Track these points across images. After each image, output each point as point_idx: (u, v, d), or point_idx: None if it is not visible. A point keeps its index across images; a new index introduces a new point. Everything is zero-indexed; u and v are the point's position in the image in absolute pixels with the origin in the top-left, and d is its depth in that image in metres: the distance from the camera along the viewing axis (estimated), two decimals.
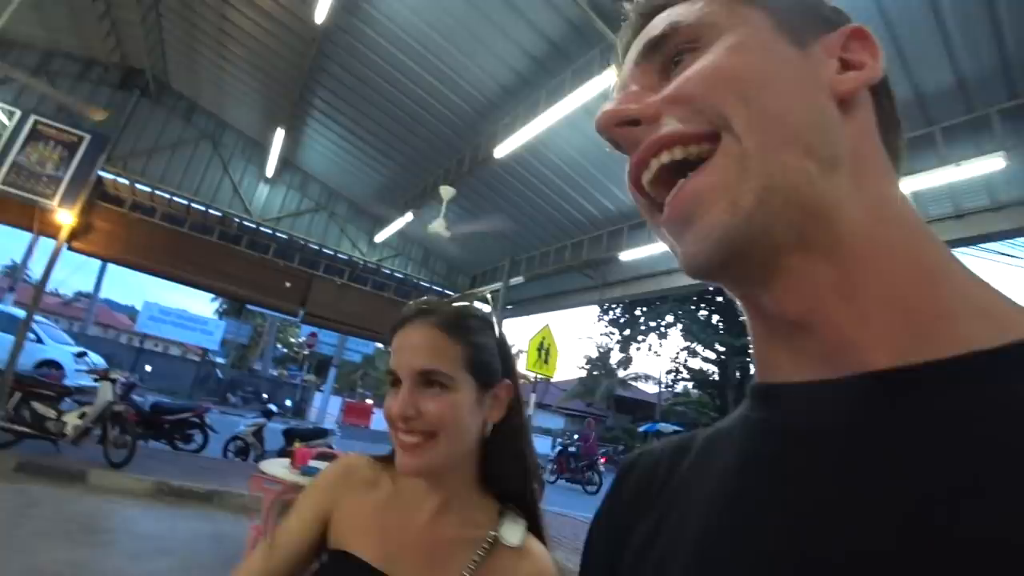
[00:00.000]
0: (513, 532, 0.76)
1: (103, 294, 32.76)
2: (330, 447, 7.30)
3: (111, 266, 23.12)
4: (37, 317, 14.77)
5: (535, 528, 0.79)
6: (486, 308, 11.31)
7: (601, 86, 4.35)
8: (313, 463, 4.71)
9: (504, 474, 0.80)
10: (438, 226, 7.30)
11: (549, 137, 5.61)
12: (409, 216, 8.39)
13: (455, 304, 0.84)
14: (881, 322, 0.30)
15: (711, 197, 0.32)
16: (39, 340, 13.67)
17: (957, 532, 0.24)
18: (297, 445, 6.56)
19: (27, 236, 8.09)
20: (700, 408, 31.06)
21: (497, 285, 10.09)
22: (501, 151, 5.81)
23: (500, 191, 7.68)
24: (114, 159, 7.95)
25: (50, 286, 7.71)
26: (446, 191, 7.26)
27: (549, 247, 8.64)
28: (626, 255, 6.90)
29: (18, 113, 7.18)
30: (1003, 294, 0.31)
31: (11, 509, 4.82)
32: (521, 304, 10.28)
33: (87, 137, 7.38)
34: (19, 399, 6.35)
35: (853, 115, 0.34)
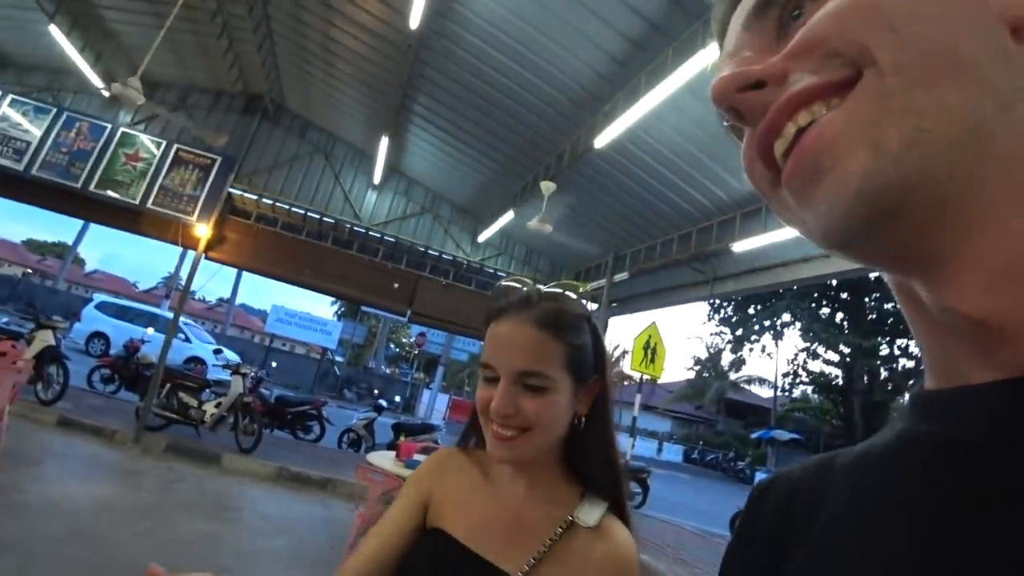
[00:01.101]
0: (590, 513, 0.78)
1: (239, 300, 36.37)
2: (436, 442, 7.53)
3: (247, 274, 25.63)
4: (186, 320, 16.69)
5: (619, 512, 0.81)
6: (587, 303, 11.13)
7: (705, 61, 4.05)
8: (417, 456, 4.84)
9: (588, 460, 0.83)
10: (539, 222, 7.25)
11: (651, 122, 5.35)
12: (510, 214, 8.42)
13: (551, 294, 0.85)
14: None
15: (846, 140, 0.25)
16: (187, 340, 15.50)
17: None
18: (403, 439, 6.83)
19: (177, 252, 9.13)
20: (821, 414, 28.59)
21: (601, 282, 9.87)
22: (601, 141, 5.62)
23: (602, 183, 7.48)
24: (241, 176, 8.73)
25: (198, 294, 8.64)
26: (547, 186, 7.18)
27: (655, 240, 8.28)
28: (739, 246, 6.42)
29: (164, 143, 8.14)
30: None
31: (162, 484, 5.44)
32: (626, 301, 9.97)
33: (218, 159, 8.21)
34: (168, 389, 7.18)
35: None
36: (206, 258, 8.30)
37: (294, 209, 9.27)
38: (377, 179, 9.37)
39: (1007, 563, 0.22)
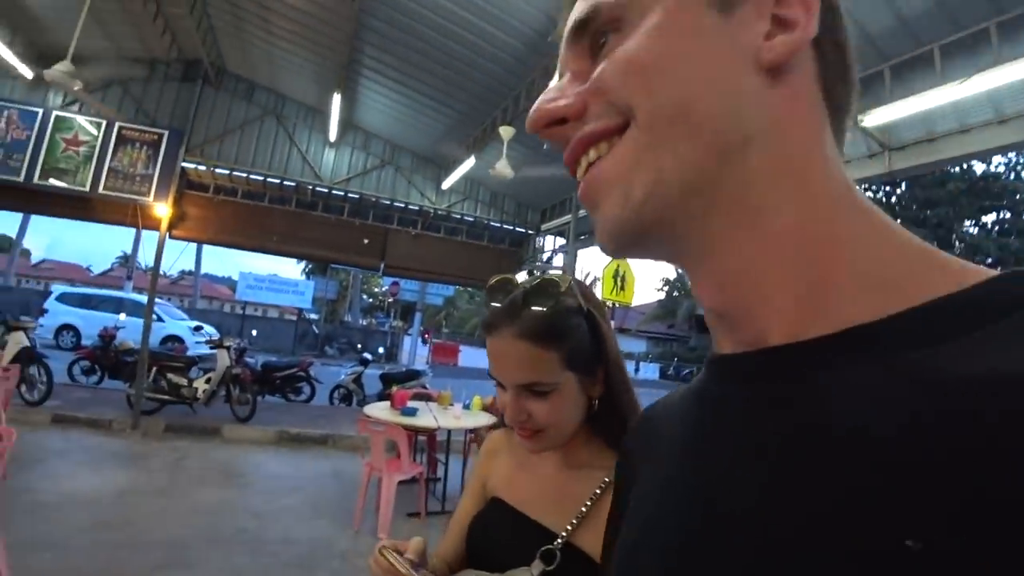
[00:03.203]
0: None
1: (202, 270, 35.47)
2: (424, 387, 7.83)
3: (206, 245, 24.94)
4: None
5: None
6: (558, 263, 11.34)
7: None
8: (411, 403, 5.12)
9: (614, 428, 0.87)
10: (501, 167, 7.30)
11: None
12: (472, 160, 8.41)
13: (537, 295, 0.85)
14: (781, 300, 0.30)
15: (608, 186, 0.32)
16: (160, 319, 15.29)
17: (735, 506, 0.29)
18: (395, 389, 7.12)
19: (125, 230, 8.86)
20: None
21: (567, 218, 10.04)
22: (555, 81, 5.64)
23: None
24: (191, 148, 8.41)
25: (159, 271, 8.52)
26: (506, 131, 7.19)
27: None
28: None
29: (103, 123, 7.74)
30: (931, 253, 0.29)
31: (170, 462, 5.64)
32: (593, 234, 10.21)
33: (165, 132, 7.88)
34: (156, 372, 7.24)
35: (784, 80, 0.31)
36: (170, 237, 8.16)
37: (252, 176, 9.05)
38: (333, 136, 9.15)
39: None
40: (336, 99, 7.70)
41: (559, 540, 0.82)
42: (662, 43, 0.31)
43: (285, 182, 9.34)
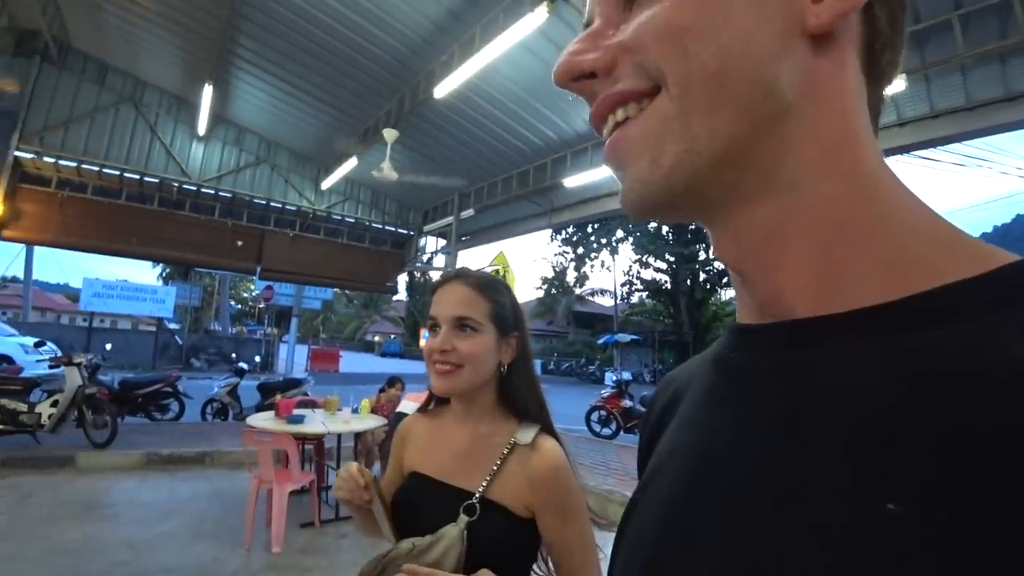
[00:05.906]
0: (525, 435, 1.02)
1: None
2: (307, 395, 7.56)
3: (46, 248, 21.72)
4: None
5: (550, 432, 1.06)
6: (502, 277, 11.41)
7: (536, 22, 4.37)
8: (297, 411, 4.98)
9: (517, 398, 1.07)
10: (385, 169, 7.29)
11: (488, 73, 5.61)
12: (354, 161, 8.29)
13: (480, 270, 1.12)
14: (802, 274, 0.29)
15: (636, 150, 0.31)
16: None
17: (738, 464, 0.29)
18: (279, 397, 6.81)
19: None
20: (655, 316, 32.63)
21: (449, 219, 10.21)
22: (441, 91, 5.78)
23: (444, 128, 7.65)
24: (27, 136, 7.42)
25: None
26: (389, 133, 7.20)
27: (496, 178, 8.75)
28: (570, 181, 7.11)
29: None
30: (960, 237, 0.28)
31: (10, 501, 4.86)
32: (474, 235, 10.48)
33: None
34: None
35: (828, 48, 0.30)
36: (0, 239, 7.14)
37: (106, 170, 8.17)
38: (202, 129, 8.51)
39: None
40: (207, 90, 7.21)
41: (477, 495, 0.97)
42: (702, 3, 0.29)
43: (146, 178, 8.53)
